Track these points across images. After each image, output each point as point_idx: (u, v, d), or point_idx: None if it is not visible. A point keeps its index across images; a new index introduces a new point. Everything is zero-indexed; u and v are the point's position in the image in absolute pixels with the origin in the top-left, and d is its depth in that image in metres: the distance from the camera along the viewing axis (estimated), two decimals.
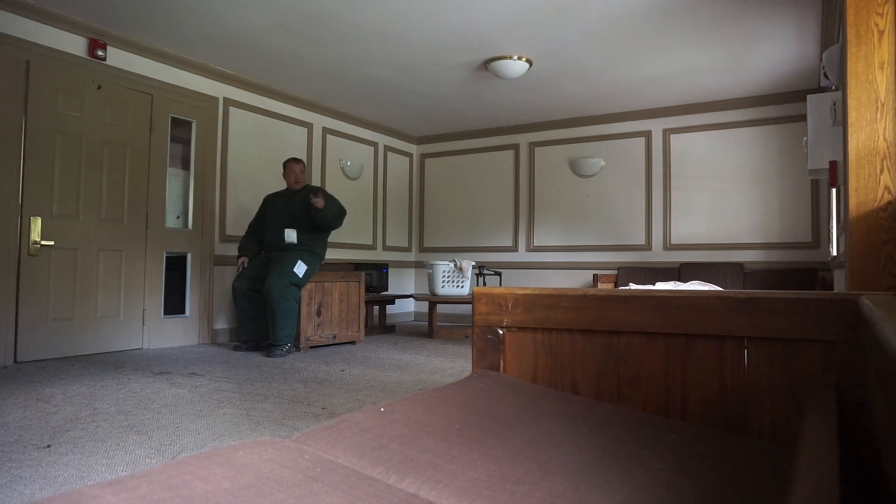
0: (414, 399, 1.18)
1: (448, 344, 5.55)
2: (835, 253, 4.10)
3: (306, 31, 4.51)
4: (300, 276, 4.67)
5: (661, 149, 6.36)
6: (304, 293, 4.84)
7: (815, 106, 3.01)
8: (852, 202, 1.94)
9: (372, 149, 7.21)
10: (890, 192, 1.90)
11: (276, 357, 4.48)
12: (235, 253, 5.57)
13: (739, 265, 5.80)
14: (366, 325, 5.94)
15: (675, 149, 6.30)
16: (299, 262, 4.68)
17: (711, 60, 4.97)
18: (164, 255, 4.97)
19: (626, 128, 6.54)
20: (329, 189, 6.52)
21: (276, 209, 4.94)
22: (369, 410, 1.07)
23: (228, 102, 5.48)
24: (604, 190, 6.67)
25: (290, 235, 4.81)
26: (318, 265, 4.91)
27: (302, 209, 4.82)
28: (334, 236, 6.57)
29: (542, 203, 7.03)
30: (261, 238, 5.01)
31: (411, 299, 7.72)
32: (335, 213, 4.77)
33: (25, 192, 4.06)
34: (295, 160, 5.00)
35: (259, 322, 4.84)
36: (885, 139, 1.91)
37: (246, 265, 4.89)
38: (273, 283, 4.56)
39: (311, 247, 4.86)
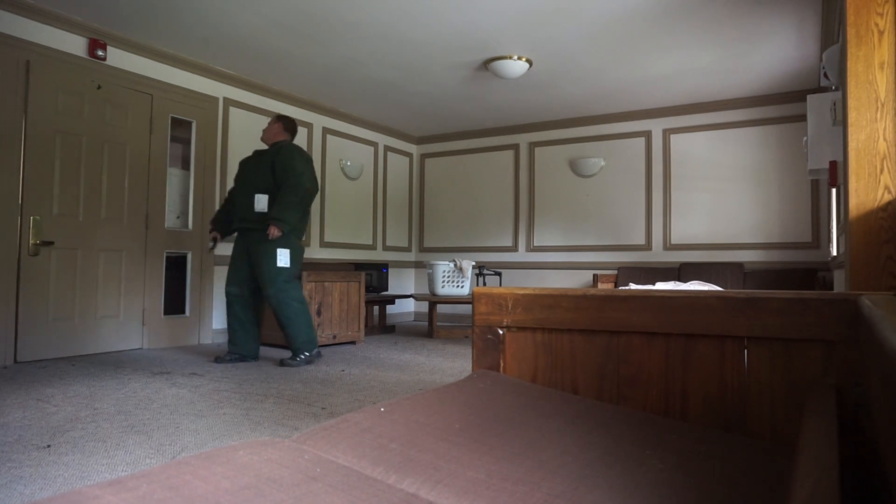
0: (414, 399, 1.18)
1: (448, 344, 5.55)
2: (835, 253, 4.10)
3: (306, 31, 4.51)
4: (287, 266, 4.11)
5: (661, 149, 6.36)
6: (304, 293, 4.79)
7: (815, 106, 3.00)
8: (852, 202, 1.94)
9: (372, 149, 7.21)
10: (890, 192, 1.90)
11: (289, 367, 4.08)
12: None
13: (739, 265, 5.80)
14: (366, 325, 5.94)
15: (675, 149, 6.30)
16: (279, 251, 4.09)
17: (711, 60, 4.97)
18: (164, 255, 4.97)
19: (626, 128, 6.54)
20: (329, 189, 6.52)
21: (247, 171, 4.32)
22: (369, 410, 1.07)
23: (228, 102, 5.48)
24: (604, 190, 6.66)
25: (261, 202, 4.15)
26: (296, 240, 4.26)
27: (270, 172, 4.17)
28: (334, 236, 6.59)
29: (542, 203, 7.03)
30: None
31: (411, 299, 7.72)
32: (295, 209, 4.10)
33: (25, 192, 4.06)
34: (275, 118, 4.45)
35: (251, 333, 4.27)
36: (885, 139, 1.91)
37: (217, 241, 4.42)
38: (269, 294, 4.08)
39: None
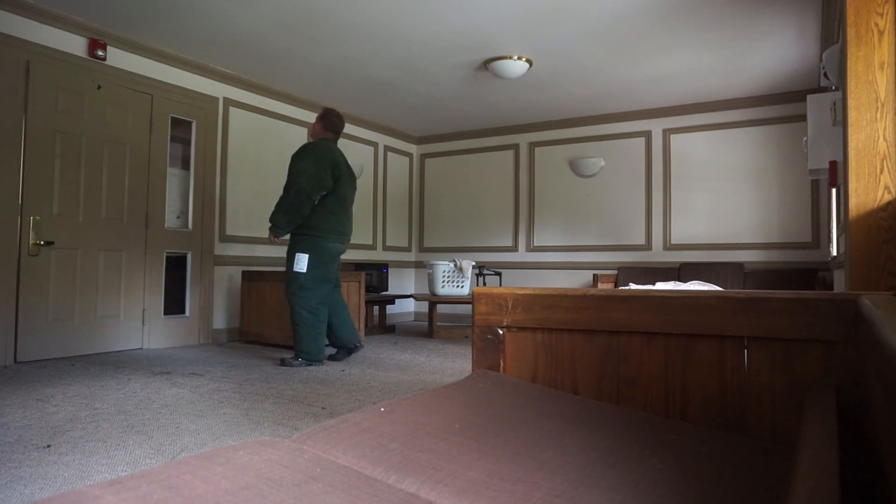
0: (414, 399, 1.18)
1: (448, 344, 5.55)
2: (835, 253, 4.10)
3: (306, 31, 4.50)
4: (304, 271, 4.03)
5: (661, 149, 6.36)
6: None
7: (815, 106, 3.01)
8: (852, 202, 1.94)
9: (372, 149, 7.21)
10: (890, 192, 1.90)
11: (289, 366, 4.07)
12: (235, 253, 5.59)
13: (739, 265, 5.80)
14: (366, 325, 5.94)
15: (675, 149, 6.30)
16: (297, 255, 4.06)
17: (711, 60, 4.97)
18: (164, 255, 4.97)
19: (626, 128, 6.54)
20: None
21: None
22: (369, 410, 1.07)
23: (228, 102, 5.48)
24: (604, 190, 6.66)
25: None
26: (323, 241, 4.11)
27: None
28: None
29: (542, 203, 7.03)
30: None
31: (411, 299, 7.72)
32: (283, 211, 4.03)
33: (25, 192, 4.06)
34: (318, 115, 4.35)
35: (332, 325, 4.26)
36: (885, 139, 1.91)
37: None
38: (287, 292, 4.11)
39: (304, 221, 4.08)
